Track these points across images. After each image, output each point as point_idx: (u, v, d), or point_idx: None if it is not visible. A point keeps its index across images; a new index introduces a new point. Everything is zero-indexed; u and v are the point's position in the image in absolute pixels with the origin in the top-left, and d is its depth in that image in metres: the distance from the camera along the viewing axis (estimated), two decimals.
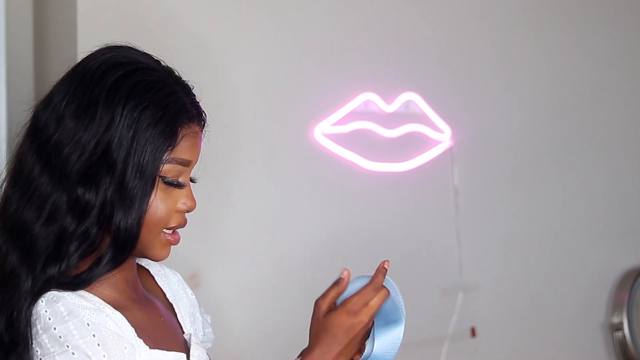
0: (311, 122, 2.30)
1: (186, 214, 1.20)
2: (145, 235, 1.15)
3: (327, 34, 2.35)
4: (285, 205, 2.27)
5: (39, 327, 1.07)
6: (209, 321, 1.41)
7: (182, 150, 1.15)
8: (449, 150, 2.53)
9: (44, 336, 1.07)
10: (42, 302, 1.08)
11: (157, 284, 1.32)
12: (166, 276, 1.34)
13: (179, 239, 1.20)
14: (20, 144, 1.16)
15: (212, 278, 2.10)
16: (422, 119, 2.48)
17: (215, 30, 2.16)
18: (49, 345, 1.06)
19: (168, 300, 1.32)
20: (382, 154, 2.41)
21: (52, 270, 1.10)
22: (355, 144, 2.36)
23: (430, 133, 2.49)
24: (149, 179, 1.12)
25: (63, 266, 1.10)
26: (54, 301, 1.08)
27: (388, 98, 2.42)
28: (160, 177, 1.14)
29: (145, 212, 1.12)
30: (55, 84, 1.18)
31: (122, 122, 1.11)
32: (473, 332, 2.54)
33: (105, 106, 1.11)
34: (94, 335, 1.06)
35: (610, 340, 2.82)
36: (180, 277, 1.38)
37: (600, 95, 2.92)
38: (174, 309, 1.31)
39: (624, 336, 2.78)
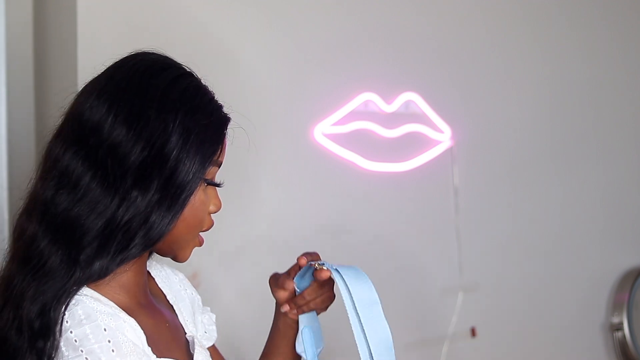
0: (311, 122, 2.31)
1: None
2: (184, 235, 1.18)
3: (327, 34, 2.35)
4: (285, 205, 2.27)
5: (60, 327, 1.08)
6: (214, 319, 1.41)
7: (220, 153, 1.21)
8: (449, 150, 2.53)
9: (61, 339, 1.07)
10: (69, 299, 1.09)
11: (157, 285, 1.32)
12: (167, 277, 1.35)
13: (203, 241, 1.25)
14: (61, 147, 1.15)
15: (212, 278, 2.10)
16: (422, 119, 2.48)
17: (215, 31, 2.16)
18: (63, 349, 1.07)
19: (169, 302, 1.32)
20: (382, 154, 2.41)
21: (99, 265, 1.11)
22: (355, 144, 2.36)
23: (430, 133, 2.49)
24: (195, 182, 1.15)
25: (107, 261, 1.11)
26: (73, 304, 1.08)
27: (388, 98, 2.42)
28: (203, 179, 1.17)
29: (181, 213, 1.15)
30: (88, 86, 1.18)
31: (176, 128, 1.13)
32: (473, 332, 2.54)
33: (159, 111, 1.13)
34: (109, 341, 1.06)
35: (610, 340, 2.82)
36: (183, 276, 1.39)
37: (600, 95, 2.92)
38: (175, 311, 1.31)
39: (624, 336, 2.78)
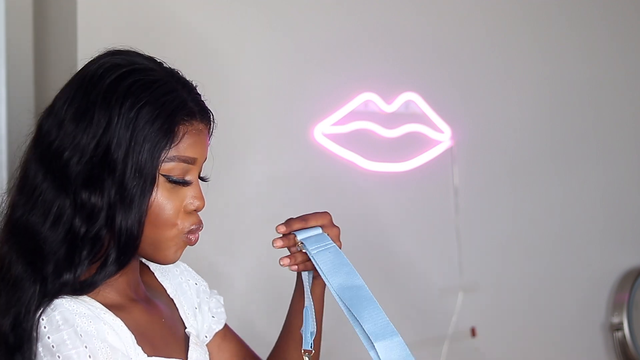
0: (311, 122, 2.30)
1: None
2: (152, 235, 1.14)
3: (327, 34, 2.35)
4: (285, 205, 2.27)
5: (36, 335, 1.08)
6: (222, 302, 1.39)
7: (184, 147, 1.14)
8: (449, 150, 2.53)
9: (39, 344, 1.07)
10: (40, 309, 1.08)
11: (157, 279, 1.31)
12: (167, 270, 1.33)
13: (197, 239, 1.19)
14: (25, 152, 1.17)
15: (212, 278, 2.10)
16: (422, 119, 2.48)
17: (215, 31, 2.16)
18: (42, 354, 1.07)
19: (169, 296, 1.31)
20: (382, 154, 2.41)
21: (68, 276, 1.09)
22: (355, 144, 2.36)
23: (430, 133, 2.49)
24: (148, 178, 1.11)
25: (78, 271, 1.10)
26: (52, 309, 1.08)
27: (388, 98, 2.42)
28: (163, 175, 1.13)
29: (146, 212, 1.12)
30: (58, 91, 1.18)
31: (120, 122, 1.10)
32: (473, 332, 2.54)
33: (102, 107, 1.11)
34: (86, 347, 1.06)
35: (610, 340, 2.82)
36: (185, 266, 1.37)
37: (600, 95, 2.92)
38: (175, 304, 1.30)
39: (624, 336, 2.78)
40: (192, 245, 1.19)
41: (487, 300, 2.58)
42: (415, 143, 2.47)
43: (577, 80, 2.85)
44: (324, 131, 2.32)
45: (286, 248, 1.26)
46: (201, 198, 1.18)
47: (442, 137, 2.52)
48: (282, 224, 1.26)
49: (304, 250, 1.22)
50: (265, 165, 2.23)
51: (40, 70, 2.20)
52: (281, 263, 1.24)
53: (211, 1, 2.18)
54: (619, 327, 2.79)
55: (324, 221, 1.29)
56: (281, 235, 1.24)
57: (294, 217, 1.27)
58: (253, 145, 2.22)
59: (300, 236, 1.23)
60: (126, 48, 1.20)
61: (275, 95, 2.26)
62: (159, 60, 1.19)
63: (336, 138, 2.33)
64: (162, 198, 1.13)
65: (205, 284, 1.38)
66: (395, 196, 2.44)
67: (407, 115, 2.46)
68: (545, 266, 2.73)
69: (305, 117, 2.30)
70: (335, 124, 2.34)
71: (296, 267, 1.25)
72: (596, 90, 2.90)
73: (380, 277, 2.38)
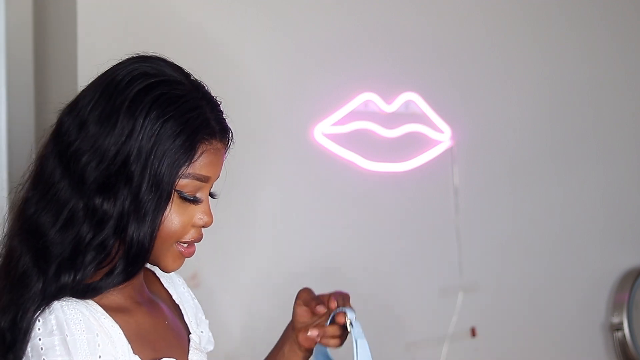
0: (311, 122, 2.31)
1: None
2: (159, 246, 1.14)
3: (327, 34, 2.35)
4: (285, 206, 2.27)
5: (26, 339, 1.08)
6: (207, 325, 1.41)
7: (200, 166, 1.14)
8: (449, 150, 2.53)
9: (29, 344, 1.07)
10: (39, 311, 1.08)
11: (162, 286, 1.32)
12: (171, 278, 1.35)
13: (194, 252, 1.19)
14: (43, 146, 1.16)
15: (212, 278, 2.10)
16: (422, 119, 2.48)
17: (215, 31, 2.17)
18: (29, 354, 1.07)
19: (174, 302, 1.31)
20: (382, 154, 2.41)
21: (67, 278, 1.09)
22: (355, 144, 2.36)
23: (430, 133, 2.49)
24: (164, 193, 1.11)
25: (79, 275, 1.10)
26: (49, 312, 1.08)
27: (388, 98, 2.42)
28: (176, 191, 1.13)
29: (159, 226, 1.12)
30: (82, 88, 1.17)
31: (143, 133, 1.10)
32: (473, 332, 2.54)
33: (127, 115, 1.10)
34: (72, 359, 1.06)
35: (610, 340, 2.82)
36: (183, 280, 1.39)
37: (600, 95, 2.92)
38: (180, 311, 1.31)
39: (624, 336, 2.78)
40: (189, 257, 1.19)
41: (487, 300, 2.58)
42: (415, 143, 2.47)
43: (577, 80, 2.85)
44: (324, 131, 2.32)
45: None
46: (210, 215, 1.18)
47: (442, 137, 2.52)
48: (332, 299, 1.30)
49: (341, 326, 1.28)
50: (265, 165, 2.23)
51: (40, 70, 2.20)
52: (310, 334, 1.30)
53: (211, 1, 2.18)
54: (619, 327, 2.79)
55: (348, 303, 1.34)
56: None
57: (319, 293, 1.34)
58: (253, 145, 2.22)
59: (350, 315, 1.28)
60: (156, 54, 1.19)
61: (275, 95, 2.26)
62: (186, 72, 1.18)
63: (336, 138, 2.33)
64: (173, 213, 1.13)
65: (198, 303, 1.39)
66: (395, 196, 2.44)
67: (407, 115, 2.46)
68: (545, 266, 2.73)
69: (305, 117, 2.30)
70: (335, 124, 2.34)
71: (319, 338, 1.30)
72: (596, 90, 2.90)
73: (380, 277, 2.38)
